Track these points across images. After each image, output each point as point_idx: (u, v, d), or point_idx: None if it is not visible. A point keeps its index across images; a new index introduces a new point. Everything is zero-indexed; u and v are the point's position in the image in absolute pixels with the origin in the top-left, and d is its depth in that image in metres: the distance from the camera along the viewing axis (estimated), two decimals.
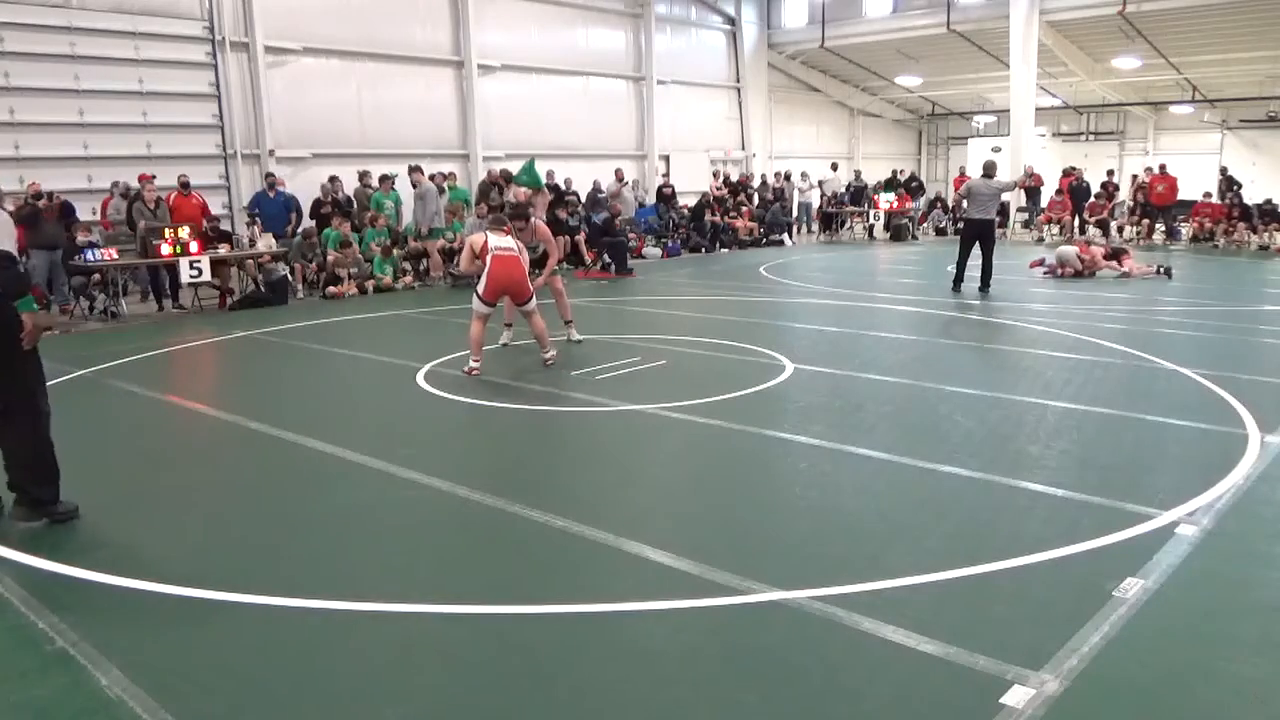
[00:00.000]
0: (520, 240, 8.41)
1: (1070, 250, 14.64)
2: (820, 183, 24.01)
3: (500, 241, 8.08)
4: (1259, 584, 3.72)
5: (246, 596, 3.74)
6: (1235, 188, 20.10)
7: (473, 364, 7.89)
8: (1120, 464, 5.29)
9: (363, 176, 15.69)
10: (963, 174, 25.11)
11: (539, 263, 9.00)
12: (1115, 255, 14.53)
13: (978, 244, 12.48)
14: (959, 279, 12.69)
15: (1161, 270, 14.04)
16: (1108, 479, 4.97)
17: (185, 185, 13.35)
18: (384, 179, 15.48)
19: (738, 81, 24.83)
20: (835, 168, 24.49)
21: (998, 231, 14.29)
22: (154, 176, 12.97)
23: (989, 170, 12.79)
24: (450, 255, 14.64)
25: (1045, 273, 14.60)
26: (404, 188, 15.55)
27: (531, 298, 8.14)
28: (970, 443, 5.69)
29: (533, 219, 9.08)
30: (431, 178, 15.47)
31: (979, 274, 12.56)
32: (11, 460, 4.56)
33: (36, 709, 3.01)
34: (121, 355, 9.11)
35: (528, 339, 8.66)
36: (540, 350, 8.24)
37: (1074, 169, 22.21)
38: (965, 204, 12.86)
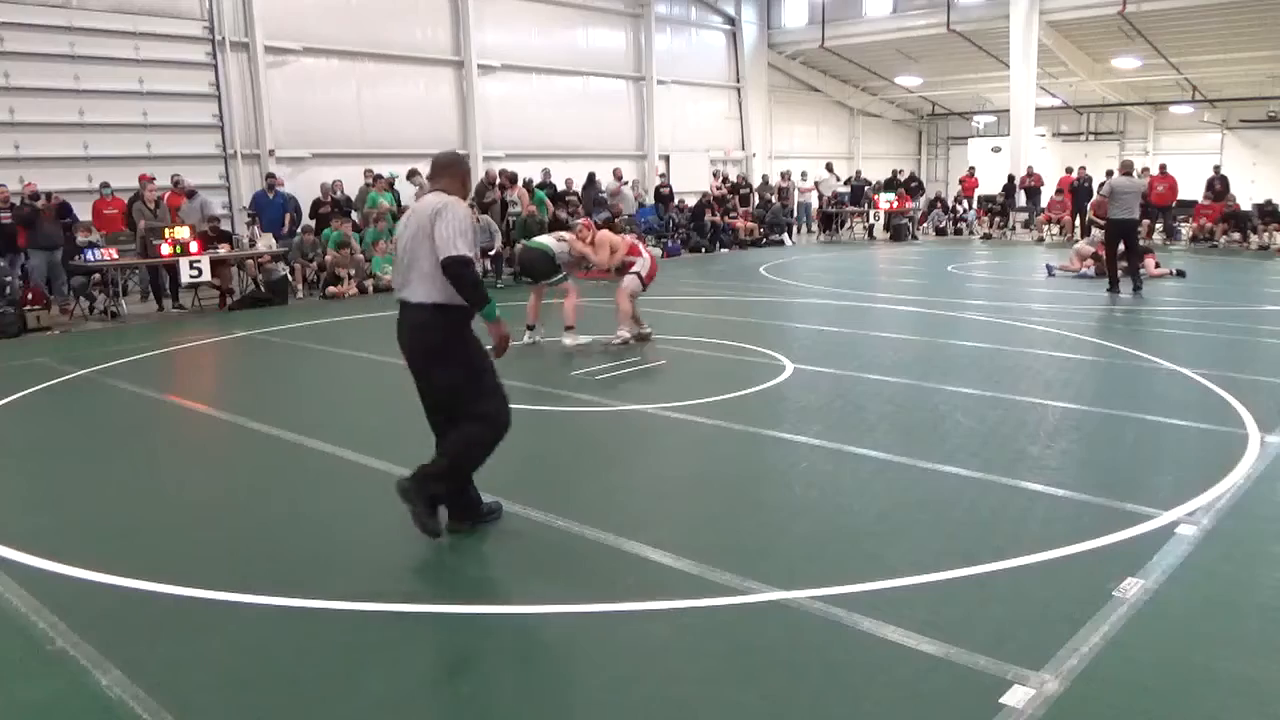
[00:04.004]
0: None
1: (1088, 248, 14.48)
2: (816, 184, 23.93)
3: None
4: (1259, 584, 3.71)
5: (247, 596, 3.74)
6: (1221, 185, 19.99)
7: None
8: (1120, 464, 5.29)
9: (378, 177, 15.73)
10: (971, 174, 24.94)
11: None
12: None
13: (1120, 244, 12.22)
14: (1114, 280, 12.33)
15: (1175, 272, 14.11)
16: (1108, 479, 4.97)
17: (179, 184, 13.34)
18: (378, 178, 15.46)
19: (738, 81, 24.83)
20: (830, 168, 24.27)
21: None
22: (154, 178, 12.98)
23: (1129, 169, 12.62)
24: None
25: (1063, 271, 14.42)
26: (403, 188, 15.54)
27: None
28: (970, 443, 5.69)
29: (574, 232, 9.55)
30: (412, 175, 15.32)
31: (1125, 275, 12.30)
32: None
33: (36, 709, 3.01)
34: (121, 355, 9.11)
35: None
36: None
37: (1082, 167, 22.07)
38: (1110, 204, 12.26)
